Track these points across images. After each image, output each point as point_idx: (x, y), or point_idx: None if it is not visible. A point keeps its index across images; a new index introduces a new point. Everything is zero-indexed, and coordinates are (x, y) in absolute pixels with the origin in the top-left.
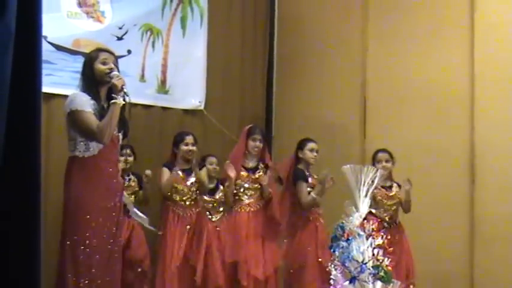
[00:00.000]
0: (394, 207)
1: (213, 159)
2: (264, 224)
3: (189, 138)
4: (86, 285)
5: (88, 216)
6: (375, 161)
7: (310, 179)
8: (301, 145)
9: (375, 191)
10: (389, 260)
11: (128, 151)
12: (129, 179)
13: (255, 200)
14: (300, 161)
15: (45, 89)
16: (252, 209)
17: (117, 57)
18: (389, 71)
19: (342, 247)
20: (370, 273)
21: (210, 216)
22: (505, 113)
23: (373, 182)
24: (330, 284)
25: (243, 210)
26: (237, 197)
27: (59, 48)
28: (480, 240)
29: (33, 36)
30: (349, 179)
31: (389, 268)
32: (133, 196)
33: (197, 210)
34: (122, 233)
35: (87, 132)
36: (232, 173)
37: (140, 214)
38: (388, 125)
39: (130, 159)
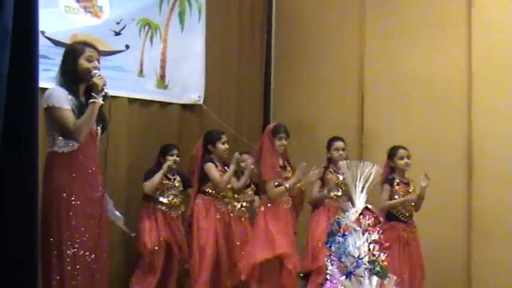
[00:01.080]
0: (413, 203)
1: (245, 156)
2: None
3: (225, 137)
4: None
5: (70, 212)
6: (395, 157)
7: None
8: (328, 145)
9: (397, 187)
10: (386, 254)
11: (176, 151)
12: (174, 179)
13: (287, 198)
14: (331, 161)
15: (43, 84)
16: (285, 206)
17: (100, 53)
18: (387, 67)
19: (338, 242)
20: (366, 268)
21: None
22: (502, 107)
23: (369, 177)
24: (327, 279)
25: (283, 205)
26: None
27: (56, 43)
28: (478, 233)
29: (30, 34)
30: (346, 174)
31: (385, 263)
32: (176, 196)
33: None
34: (106, 227)
35: (64, 130)
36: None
37: (117, 213)
38: (386, 121)
39: (178, 159)
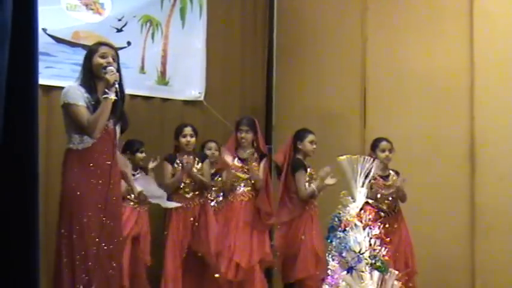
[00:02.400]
0: (392, 196)
1: (212, 145)
2: (255, 214)
3: (187, 130)
4: (83, 278)
5: (83, 208)
6: (377, 149)
7: (308, 169)
8: (300, 136)
9: (372, 181)
10: (387, 249)
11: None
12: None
13: (248, 190)
14: (298, 152)
15: (45, 81)
16: (244, 199)
17: (117, 51)
18: (388, 60)
19: (339, 237)
20: (367, 263)
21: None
22: (504, 101)
23: (369, 172)
24: (328, 274)
25: (236, 199)
26: (231, 187)
27: (58, 40)
28: (481, 228)
29: (29, 29)
30: (346, 169)
31: (386, 258)
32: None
33: (201, 200)
34: (119, 225)
35: (78, 126)
36: (228, 159)
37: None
38: (388, 114)
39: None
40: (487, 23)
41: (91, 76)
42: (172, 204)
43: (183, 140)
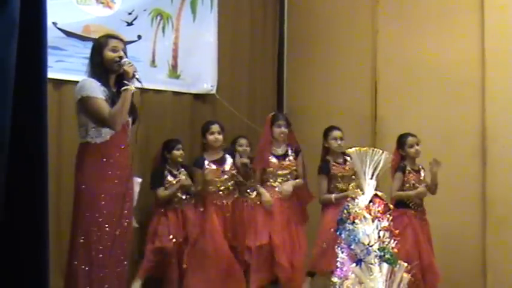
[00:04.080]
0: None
1: (243, 141)
2: (296, 210)
3: (215, 127)
4: (95, 271)
5: (101, 202)
6: (406, 146)
7: (334, 168)
8: (324, 134)
9: (409, 175)
10: (396, 242)
11: (181, 145)
12: (179, 173)
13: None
14: (327, 151)
15: (56, 75)
16: (279, 196)
17: (126, 44)
18: (399, 53)
19: (348, 230)
20: (376, 256)
21: (247, 193)
22: None
23: (378, 164)
24: (337, 267)
25: (275, 196)
26: (269, 184)
27: (69, 34)
28: (492, 221)
29: (38, 25)
30: (355, 161)
31: (395, 250)
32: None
33: (235, 197)
34: (131, 219)
35: (99, 119)
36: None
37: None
38: (399, 107)
39: (182, 153)
40: (498, 15)
41: (103, 69)
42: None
43: (210, 137)
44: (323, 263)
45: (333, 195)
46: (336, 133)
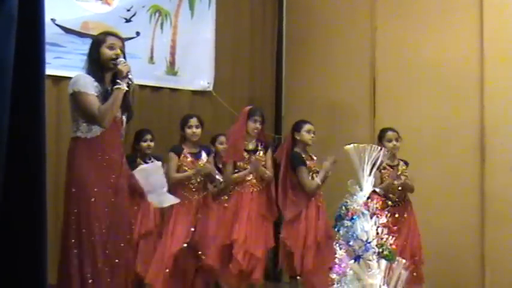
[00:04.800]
0: (399, 187)
1: (223, 138)
2: (265, 205)
3: (193, 121)
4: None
5: (91, 197)
6: (383, 140)
7: (308, 162)
8: (297, 127)
9: (383, 171)
10: (395, 238)
11: (150, 136)
12: (151, 162)
13: (257, 181)
14: (296, 143)
15: (55, 71)
16: (254, 190)
17: (124, 41)
18: (398, 50)
19: (346, 226)
20: (374, 252)
21: (223, 198)
22: None
23: (376, 160)
24: (336, 263)
25: (245, 190)
26: (235, 178)
27: (67, 30)
28: (490, 218)
29: (36, 22)
30: (353, 158)
31: (394, 247)
32: None
33: (205, 193)
34: (126, 215)
35: (88, 115)
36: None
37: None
38: (398, 104)
39: (152, 144)
40: (497, 12)
41: (99, 66)
42: (170, 202)
43: (188, 130)
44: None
45: (317, 179)
46: (309, 126)
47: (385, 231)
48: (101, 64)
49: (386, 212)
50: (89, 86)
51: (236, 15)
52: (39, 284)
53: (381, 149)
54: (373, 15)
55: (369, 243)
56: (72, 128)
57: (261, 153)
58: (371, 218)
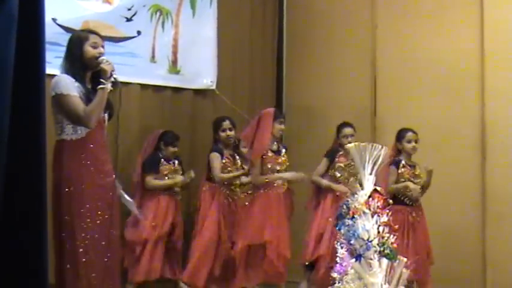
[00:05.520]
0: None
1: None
2: (289, 206)
3: (226, 124)
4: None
5: (80, 199)
6: (403, 140)
7: (402, 170)
8: (337, 130)
9: (403, 169)
10: (396, 237)
11: (177, 143)
12: (174, 163)
13: (282, 183)
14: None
15: (56, 71)
16: (280, 191)
17: (103, 40)
18: (399, 49)
19: (348, 225)
20: (375, 251)
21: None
22: None
23: (377, 159)
24: (337, 262)
25: (273, 191)
26: (266, 179)
27: (68, 30)
28: (491, 216)
29: (36, 21)
30: (354, 157)
31: (395, 245)
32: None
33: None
34: (115, 214)
35: (73, 116)
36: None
37: (127, 197)
38: (399, 102)
39: (177, 150)
40: (497, 10)
41: (81, 65)
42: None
43: (222, 134)
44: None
45: (324, 181)
46: (347, 130)
47: (386, 230)
48: (83, 62)
49: (387, 211)
50: (71, 87)
51: (237, 14)
52: (40, 284)
53: (382, 148)
54: (374, 14)
55: (370, 242)
56: (56, 130)
57: (284, 153)
58: (372, 216)
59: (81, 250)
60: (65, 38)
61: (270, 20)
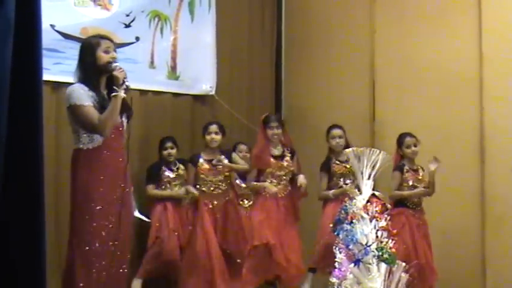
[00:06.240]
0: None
1: (243, 147)
2: (291, 210)
3: (212, 128)
4: (96, 274)
5: (96, 207)
6: (403, 145)
7: (406, 174)
8: (326, 133)
9: (407, 174)
10: (393, 242)
11: (170, 144)
12: (177, 168)
13: (283, 187)
14: (331, 149)
15: (54, 77)
16: (280, 195)
17: (116, 45)
18: (397, 52)
19: (346, 230)
20: (374, 256)
21: (241, 202)
22: None
23: (375, 164)
24: (335, 267)
25: (272, 196)
26: (253, 186)
27: (66, 36)
28: (491, 219)
29: (33, 27)
30: (352, 162)
31: (393, 250)
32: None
33: (226, 199)
34: (129, 222)
35: (88, 126)
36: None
37: (141, 216)
38: (398, 106)
39: (173, 151)
40: (495, 13)
41: (94, 71)
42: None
43: (207, 137)
44: (325, 260)
45: (331, 191)
46: (335, 132)
47: (385, 234)
48: (97, 69)
49: (385, 216)
50: (84, 97)
51: (236, 19)
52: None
53: (380, 153)
54: (372, 17)
55: (369, 246)
56: (74, 140)
57: (288, 158)
58: (370, 221)
59: (92, 263)
60: (63, 44)
61: (269, 25)
